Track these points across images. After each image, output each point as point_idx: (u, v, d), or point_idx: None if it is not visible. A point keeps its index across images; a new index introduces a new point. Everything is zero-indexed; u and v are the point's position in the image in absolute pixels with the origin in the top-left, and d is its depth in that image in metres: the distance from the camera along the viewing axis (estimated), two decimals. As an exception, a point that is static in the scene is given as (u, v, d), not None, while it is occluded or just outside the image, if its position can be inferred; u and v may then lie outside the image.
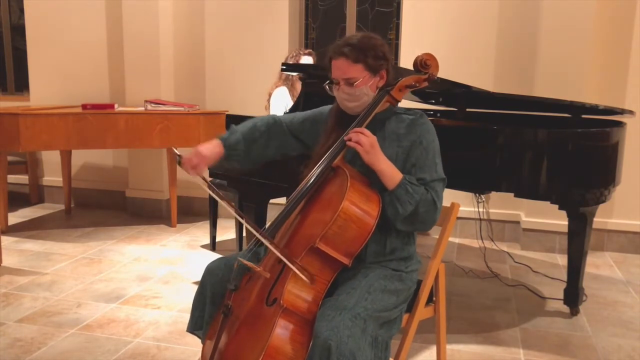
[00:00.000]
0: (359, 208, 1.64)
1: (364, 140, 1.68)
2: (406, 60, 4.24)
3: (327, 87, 1.84)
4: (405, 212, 1.67)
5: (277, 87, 3.88)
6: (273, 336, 1.53)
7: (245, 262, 1.72)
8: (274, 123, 1.98)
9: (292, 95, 3.85)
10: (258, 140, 1.95)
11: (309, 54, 3.91)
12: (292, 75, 3.84)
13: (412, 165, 1.75)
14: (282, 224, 1.76)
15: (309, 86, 3.27)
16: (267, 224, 1.81)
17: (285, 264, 1.65)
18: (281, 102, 3.80)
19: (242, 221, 1.71)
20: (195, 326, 1.92)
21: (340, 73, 1.78)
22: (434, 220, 1.73)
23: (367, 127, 1.77)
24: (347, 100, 1.80)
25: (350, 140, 1.70)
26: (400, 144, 1.78)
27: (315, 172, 1.76)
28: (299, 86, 3.88)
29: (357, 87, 1.76)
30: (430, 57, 1.84)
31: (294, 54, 3.87)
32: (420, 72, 1.84)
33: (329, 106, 1.97)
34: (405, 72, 1.86)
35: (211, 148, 1.87)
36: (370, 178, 1.74)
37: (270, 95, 3.89)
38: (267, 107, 3.90)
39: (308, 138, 1.97)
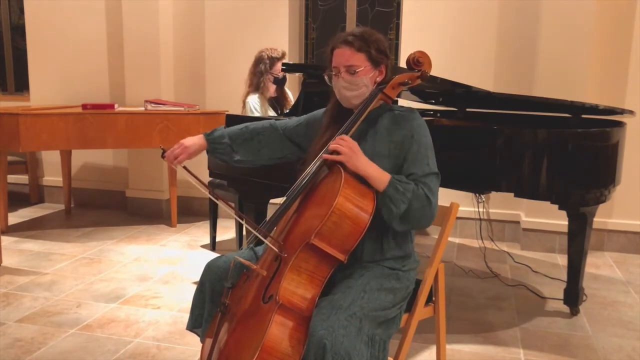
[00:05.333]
0: (353, 204, 1.65)
1: (341, 148, 1.68)
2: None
3: (326, 77, 1.85)
4: (399, 210, 1.66)
5: (248, 94, 3.81)
6: (269, 332, 1.54)
7: (242, 260, 1.73)
8: (269, 127, 2.02)
9: (264, 99, 3.80)
10: (249, 142, 1.98)
11: (282, 57, 3.81)
12: (263, 82, 3.77)
13: (404, 159, 1.75)
14: (278, 222, 1.78)
15: (309, 86, 3.27)
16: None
17: (281, 263, 1.67)
18: (258, 107, 3.76)
19: (220, 202, 1.78)
20: (195, 324, 1.94)
21: (342, 60, 1.79)
22: (430, 217, 1.71)
23: (360, 125, 1.78)
24: (345, 89, 1.80)
25: (329, 153, 1.70)
26: (392, 139, 1.78)
27: (310, 169, 1.77)
28: (272, 89, 3.82)
29: (357, 76, 1.77)
30: (422, 54, 1.84)
31: (267, 61, 3.75)
32: (413, 70, 1.84)
33: (324, 109, 1.99)
34: (403, 71, 1.86)
35: (194, 139, 1.94)
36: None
37: (244, 102, 3.84)
38: (244, 114, 3.83)
39: (304, 141, 1.98)
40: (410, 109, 1.85)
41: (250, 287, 1.74)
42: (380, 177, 1.68)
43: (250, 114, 3.76)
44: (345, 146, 1.68)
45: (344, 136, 1.72)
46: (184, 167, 1.87)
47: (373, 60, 1.79)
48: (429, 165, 1.75)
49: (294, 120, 2.04)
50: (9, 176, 4.55)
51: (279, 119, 2.09)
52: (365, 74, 1.78)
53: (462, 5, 4.19)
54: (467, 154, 2.79)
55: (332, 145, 1.71)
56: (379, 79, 1.82)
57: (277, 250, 1.67)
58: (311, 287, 1.65)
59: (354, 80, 1.78)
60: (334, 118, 1.87)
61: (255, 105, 3.77)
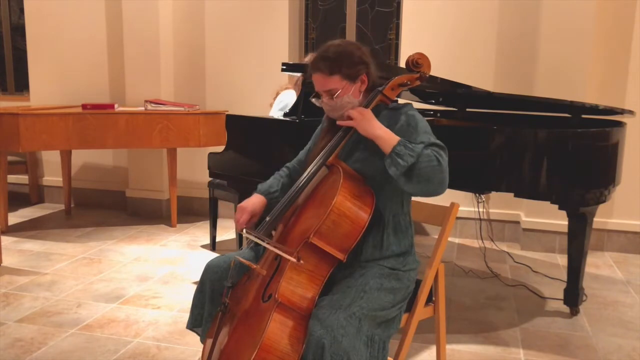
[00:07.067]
0: (352, 203, 1.66)
1: (353, 114, 1.74)
2: (406, 60, 4.24)
3: (314, 100, 1.87)
4: (406, 163, 1.63)
5: (286, 89, 3.83)
6: (268, 330, 1.54)
7: (242, 260, 1.73)
8: (291, 168, 2.04)
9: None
10: (287, 186, 1.98)
11: None
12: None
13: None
14: (277, 221, 1.79)
15: (309, 86, 3.26)
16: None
17: (280, 262, 1.68)
18: (284, 104, 3.77)
19: (291, 258, 1.71)
20: (195, 323, 1.94)
21: (320, 86, 1.81)
22: (440, 180, 1.66)
23: None
24: (331, 112, 1.84)
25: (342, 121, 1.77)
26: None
27: (310, 170, 1.79)
28: None
29: (338, 98, 1.79)
30: (421, 56, 1.84)
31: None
32: (413, 71, 1.85)
33: (320, 125, 2.02)
34: (403, 71, 1.87)
35: (251, 200, 1.93)
36: (370, 163, 1.75)
37: (277, 94, 3.84)
38: (271, 105, 3.86)
39: None
40: (404, 104, 1.86)
41: (250, 287, 1.75)
42: (389, 138, 1.69)
43: (277, 106, 3.75)
44: (357, 112, 1.74)
45: (358, 108, 1.78)
46: (249, 231, 1.83)
47: (349, 77, 1.79)
48: (432, 139, 1.73)
49: (302, 152, 2.07)
50: (9, 176, 4.55)
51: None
52: (345, 93, 1.79)
53: (462, 5, 4.19)
54: (467, 154, 2.79)
55: (347, 113, 1.77)
56: (362, 88, 1.83)
57: (286, 256, 1.63)
58: (311, 287, 1.65)
59: (335, 104, 1.80)
60: (333, 122, 1.88)
61: (284, 98, 3.76)
